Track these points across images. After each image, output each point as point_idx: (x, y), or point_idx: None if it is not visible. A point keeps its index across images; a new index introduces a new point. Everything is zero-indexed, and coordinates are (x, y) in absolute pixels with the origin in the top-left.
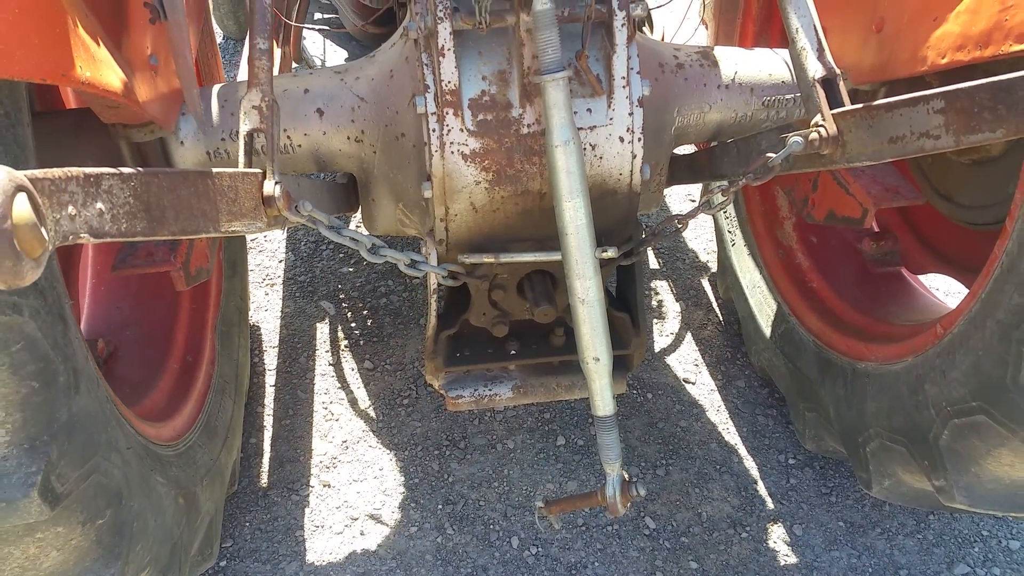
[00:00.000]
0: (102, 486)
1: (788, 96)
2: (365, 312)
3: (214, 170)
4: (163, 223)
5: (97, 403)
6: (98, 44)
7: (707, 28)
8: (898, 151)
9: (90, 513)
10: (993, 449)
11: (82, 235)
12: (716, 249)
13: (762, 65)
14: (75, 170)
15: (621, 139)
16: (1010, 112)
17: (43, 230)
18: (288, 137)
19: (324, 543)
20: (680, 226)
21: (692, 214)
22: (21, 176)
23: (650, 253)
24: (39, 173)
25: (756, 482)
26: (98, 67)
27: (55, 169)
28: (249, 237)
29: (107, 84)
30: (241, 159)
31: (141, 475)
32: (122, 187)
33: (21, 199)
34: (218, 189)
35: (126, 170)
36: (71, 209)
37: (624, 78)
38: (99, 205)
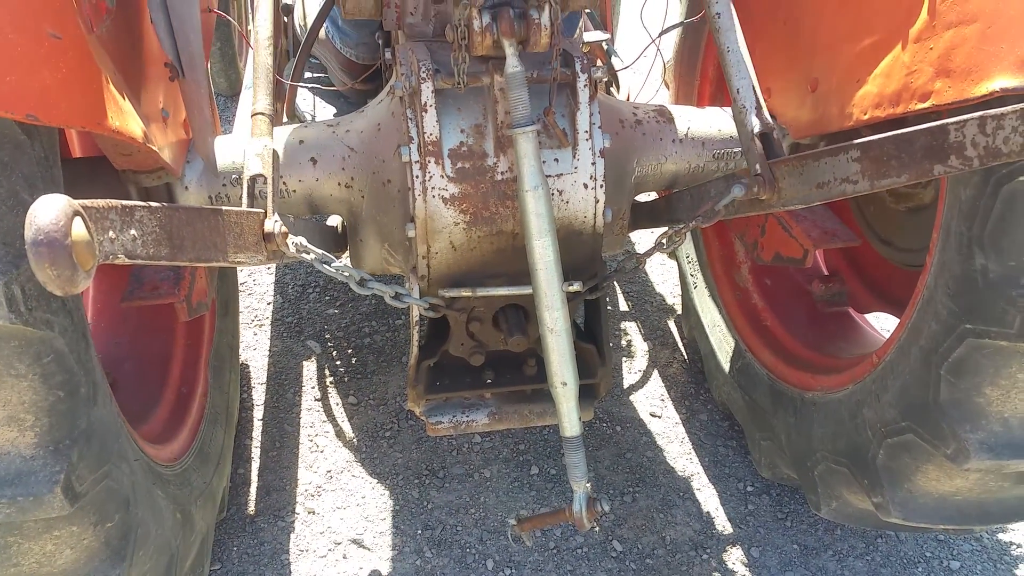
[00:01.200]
0: (113, 491)
1: (736, 149)
2: (350, 351)
3: (223, 208)
4: (182, 250)
5: (110, 416)
6: (123, 97)
7: (668, 89)
8: (824, 195)
9: (101, 515)
10: (921, 465)
11: (120, 255)
12: (680, 293)
13: (712, 122)
14: (114, 202)
15: (585, 185)
16: (911, 160)
17: (94, 247)
18: (284, 183)
19: (308, 566)
20: (639, 263)
21: (649, 253)
22: (76, 203)
23: (620, 296)
24: (88, 202)
25: (717, 508)
26: (124, 117)
27: (99, 200)
28: (239, 280)
29: (131, 132)
30: (245, 200)
31: (145, 487)
32: (150, 217)
33: (78, 222)
34: (227, 224)
35: (154, 204)
36: (111, 233)
37: (587, 132)
38: (132, 232)
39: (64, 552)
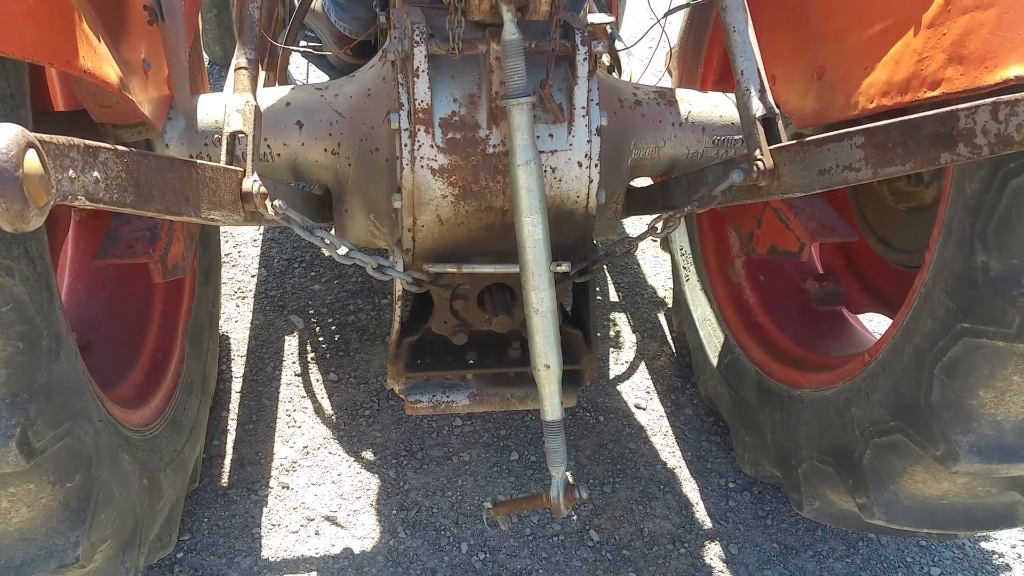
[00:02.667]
0: (74, 450)
1: (737, 137)
2: (333, 328)
3: (198, 161)
4: (150, 200)
5: (74, 373)
6: (99, 40)
7: (671, 76)
8: (825, 182)
9: (60, 474)
10: (908, 467)
11: (79, 197)
12: (672, 286)
13: (714, 107)
14: (77, 140)
15: (579, 164)
16: (917, 147)
17: (49, 183)
18: (269, 146)
19: (280, 541)
20: (630, 248)
21: (641, 236)
22: (32, 135)
23: (611, 286)
24: (46, 136)
25: (697, 503)
26: (98, 60)
27: (59, 136)
28: (224, 251)
29: (105, 76)
30: (223, 157)
31: (110, 449)
32: (116, 161)
33: (31, 154)
34: (201, 179)
35: (120, 148)
36: (71, 172)
37: (584, 108)
38: (95, 173)
39: (20, 510)
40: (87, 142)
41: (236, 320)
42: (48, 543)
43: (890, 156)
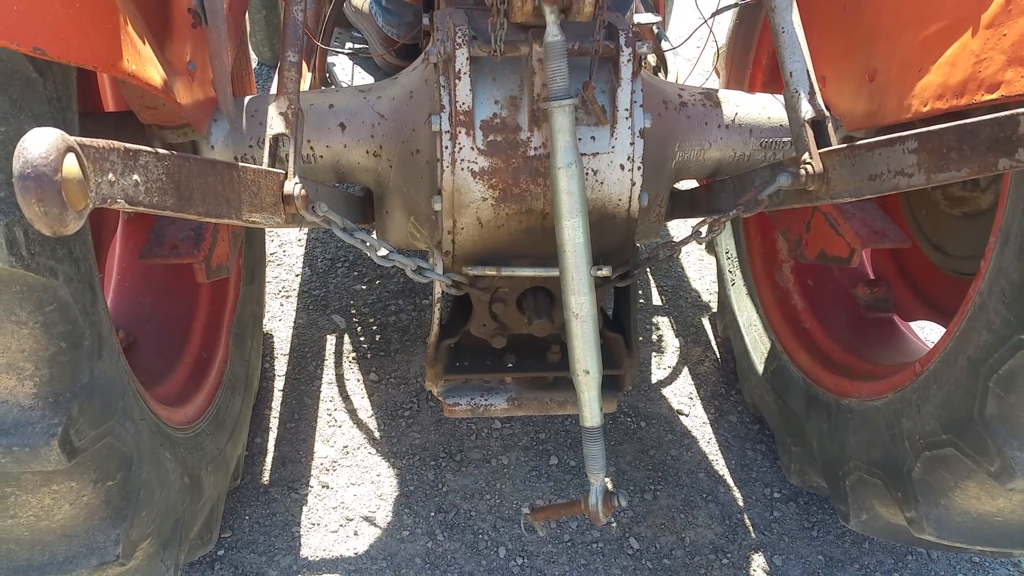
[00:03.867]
0: (115, 449)
1: (785, 139)
2: (374, 328)
3: (240, 164)
4: (190, 203)
5: (116, 372)
6: (144, 43)
7: (719, 76)
8: (876, 188)
9: (102, 473)
10: (961, 481)
11: (119, 200)
12: (717, 290)
13: (762, 108)
14: (117, 143)
15: (622, 167)
16: (973, 153)
17: (87, 187)
18: (311, 147)
19: (319, 540)
20: (673, 252)
21: (685, 241)
22: (72, 139)
23: (654, 289)
24: (86, 140)
25: (741, 512)
26: (142, 62)
27: (100, 139)
28: (269, 250)
29: (149, 79)
30: (265, 159)
31: (151, 448)
32: (156, 164)
33: (71, 158)
34: (242, 181)
35: (162, 151)
36: (111, 176)
37: (627, 110)
38: (135, 177)
39: (63, 507)
40: (128, 145)
41: (280, 319)
42: (89, 540)
43: (945, 162)
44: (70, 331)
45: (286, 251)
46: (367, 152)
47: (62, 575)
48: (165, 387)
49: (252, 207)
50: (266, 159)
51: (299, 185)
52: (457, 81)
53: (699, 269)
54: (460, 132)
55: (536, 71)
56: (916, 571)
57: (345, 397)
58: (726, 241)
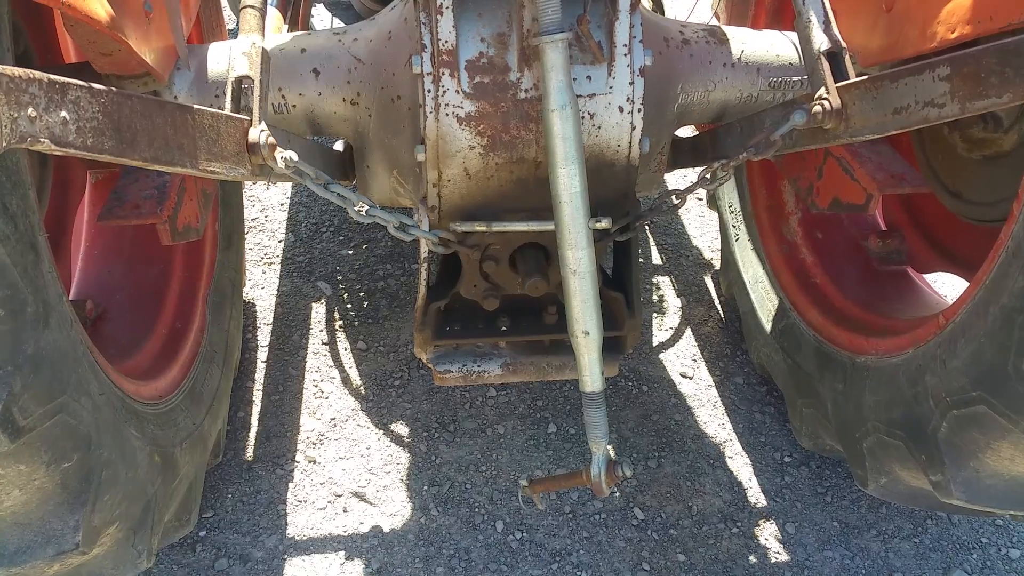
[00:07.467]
0: (70, 427)
1: (795, 78)
2: (362, 294)
3: (195, 107)
4: (134, 147)
5: (68, 342)
6: None
7: (718, 21)
8: (902, 122)
9: (56, 454)
10: (993, 442)
11: (42, 139)
12: (720, 246)
13: (770, 46)
14: (38, 73)
15: (620, 109)
16: (1017, 75)
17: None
18: (283, 96)
19: (306, 518)
20: (678, 201)
21: (691, 188)
22: None
23: (653, 248)
24: None
25: (750, 478)
26: None
27: (15, 67)
28: (250, 216)
29: (89, 11)
30: (228, 104)
31: (114, 425)
32: (91, 101)
33: None
34: (198, 126)
35: (96, 86)
36: (31, 111)
37: (626, 46)
38: (63, 113)
39: (11, 492)
40: (52, 77)
41: (262, 287)
42: (45, 528)
43: (983, 87)
44: (9, 296)
45: (268, 216)
46: (344, 100)
47: (15, 567)
48: (135, 360)
49: (211, 155)
50: (228, 103)
51: (265, 132)
52: (439, 17)
53: (700, 225)
54: (443, 74)
55: (526, 4)
56: (937, 535)
57: (332, 367)
58: (729, 194)
